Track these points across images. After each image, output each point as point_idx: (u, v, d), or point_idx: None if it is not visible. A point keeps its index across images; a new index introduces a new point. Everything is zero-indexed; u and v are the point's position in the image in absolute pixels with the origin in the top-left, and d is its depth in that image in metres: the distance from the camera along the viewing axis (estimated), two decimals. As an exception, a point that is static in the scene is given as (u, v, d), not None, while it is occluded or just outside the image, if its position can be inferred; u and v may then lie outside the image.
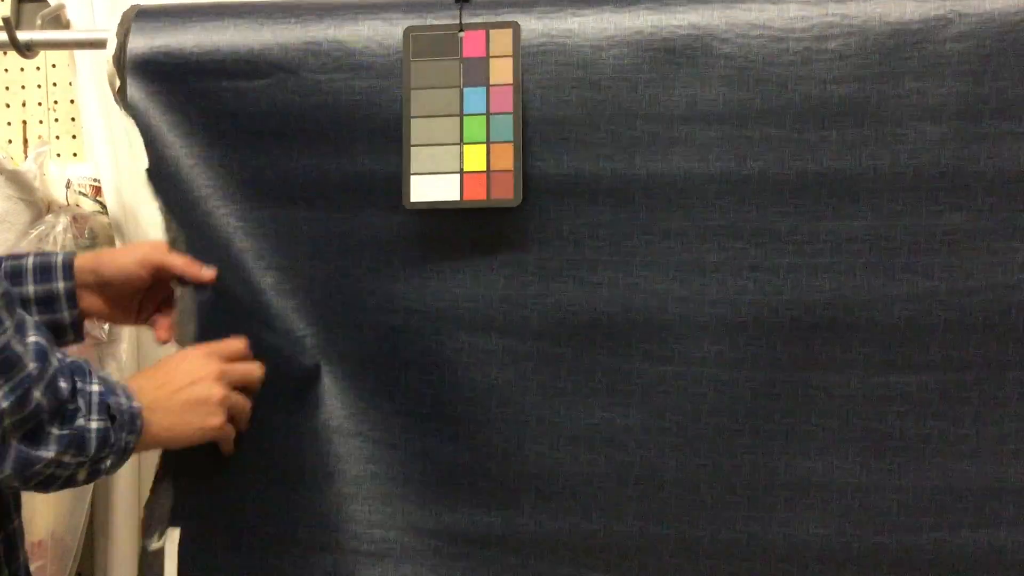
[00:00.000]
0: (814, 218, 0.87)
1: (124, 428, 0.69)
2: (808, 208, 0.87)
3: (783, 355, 0.88)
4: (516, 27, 0.87)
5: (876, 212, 0.87)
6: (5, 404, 0.60)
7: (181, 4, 0.93)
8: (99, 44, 0.96)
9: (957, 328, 0.87)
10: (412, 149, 0.88)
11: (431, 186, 0.88)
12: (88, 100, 1.20)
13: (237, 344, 0.82)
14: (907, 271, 0.87)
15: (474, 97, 0.88)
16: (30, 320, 0.64)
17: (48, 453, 0.64)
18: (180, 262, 0.84)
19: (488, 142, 0.88)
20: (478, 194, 0.88)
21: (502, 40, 0.87)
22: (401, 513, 0.93)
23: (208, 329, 0.85)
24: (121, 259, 0.81)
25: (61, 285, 0.78)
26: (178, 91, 0.92)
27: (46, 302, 0.78)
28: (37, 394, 0.62)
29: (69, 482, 0.68)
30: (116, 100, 0.94)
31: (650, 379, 0.89)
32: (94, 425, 0.66)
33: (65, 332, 0.81)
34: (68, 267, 0.78)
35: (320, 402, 0.93)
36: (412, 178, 0.88)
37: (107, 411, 0.68)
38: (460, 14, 0.87)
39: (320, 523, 0.92)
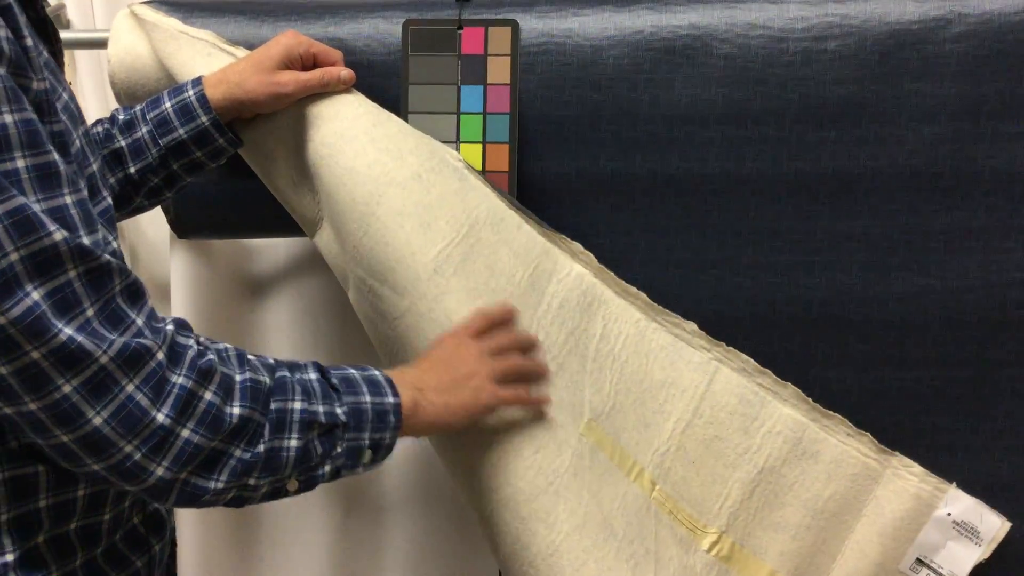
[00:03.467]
0: (812, 217, 0.84)
1: (365, 427, 0.63)
2: (806, 207, 0.84)
3: (780, 351, 0.85)
4: (515, 25, 0.82)
5: (873, 211, 0.83)
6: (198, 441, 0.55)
7: (182, 1, 0.87)
8: (99, 44, 0.92)
9: (952, 325, 0.84)
10: (411, 147, 0.83)
11: (431, 185, 0.83)
12: (88, 100, 1.15)
13: (504, 329, 0.75)
14: (903, 269, 0.84)
15: (471, 95, 0.83)
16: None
17: (217, 483, 0.56)
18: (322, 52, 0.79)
19: (484, 142, 0.83)
20: (477, 193, 0.83)
21: (500, 38, 0.82)
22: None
23: None
24: (249, 83, 0.75)
25: (205, 119, 0.75)
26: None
27: (199, 139, 0.76)
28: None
29: (273, 496, 0.61)
30: (117, 99, 0.89)
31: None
32: (292, 443, 0.59)
33: (224, 152, 0.78)
34: (204, 101, 0.75)
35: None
36: (412, 177, 0.83)
37: (310, 426, 0.60)
38: (460, 12, 0.82)
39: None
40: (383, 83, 0.83)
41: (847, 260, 0.84)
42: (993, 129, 0.80)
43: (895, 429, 0.85)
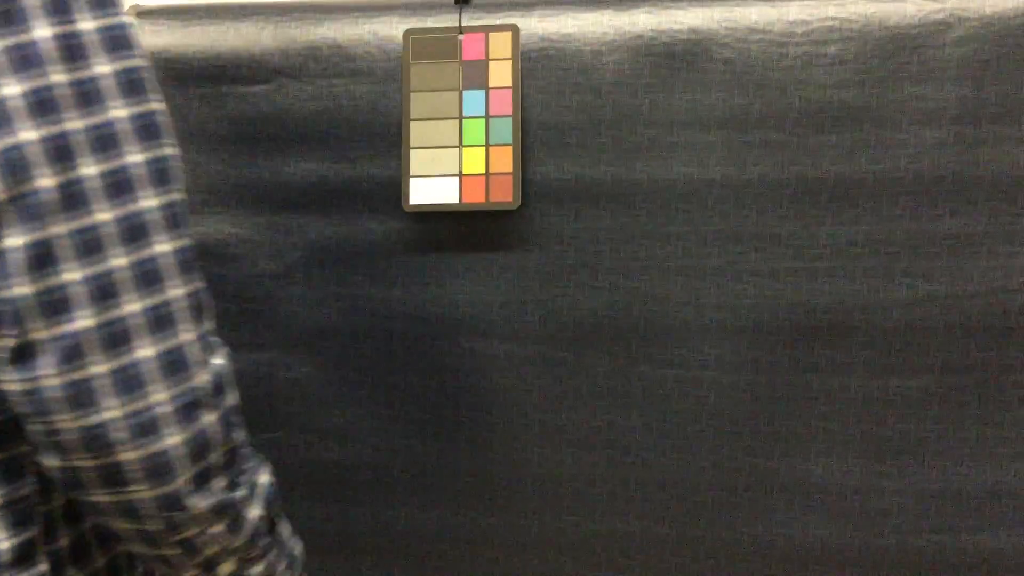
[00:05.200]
0: (814, 222, 0.82)
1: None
2: (808, 212, 0.82)
3: (783, 358, 0.84)
4: (515, 30, 0.81)
5: (876, 216, 0.82)
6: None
7: (181, 6, 0.87)
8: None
9: (957, 332, 0.82)
10: (411, 152, 0.83)
11: (430, 189, 0.83)
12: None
13: None
14: (907, 275, 0.82)
15: (473, 100, 0.82)
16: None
17: (203, 503, 0.50)
18: None
19: (487, 145, 0.82)
20: (477, 197, 0.82)
21: (501, 43, 0.81)
22: (402, 519, 0.88)
23: None
24: None
25: None
26: (177, 94, 0.87)
27: None
28: (211, 418, 0.50)
29: (210, 567, 0.53)
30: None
31: (651, 382, 0.85)
32: (253, 513, 0.54)
33: None
34: None
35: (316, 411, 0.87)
36: (411, 180, 0.83)
37: (272, 522, 0.56)
38: (460, 16, 0.82)
39: (317, 529, 0.87)
40: (383, 88, 0.83)
41: (850, 266, 0.83)
42: (995, 133, 0.79)
43: (900, 437, 0.83)
